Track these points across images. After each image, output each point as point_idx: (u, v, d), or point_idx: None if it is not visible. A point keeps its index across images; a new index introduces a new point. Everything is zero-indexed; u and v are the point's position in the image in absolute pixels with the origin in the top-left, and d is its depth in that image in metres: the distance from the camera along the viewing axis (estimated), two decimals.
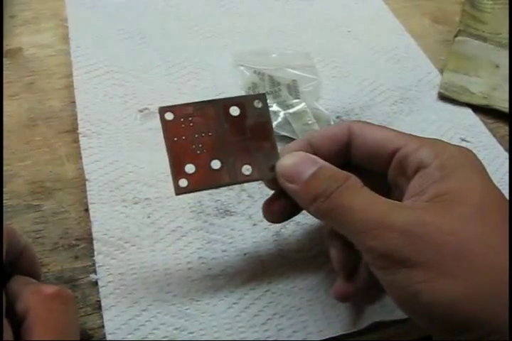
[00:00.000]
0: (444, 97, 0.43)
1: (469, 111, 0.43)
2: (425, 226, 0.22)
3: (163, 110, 0.25)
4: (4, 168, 0.34)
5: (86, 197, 0.33)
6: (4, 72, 0.40)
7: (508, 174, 0.38)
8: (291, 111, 0.39)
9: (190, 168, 0.25)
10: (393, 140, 0.26)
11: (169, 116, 0.25)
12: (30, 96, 0.39)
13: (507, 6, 0.51)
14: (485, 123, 0.42)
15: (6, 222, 0.31)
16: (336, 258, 0.28)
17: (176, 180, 0.25)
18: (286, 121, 0.38)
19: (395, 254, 0.22)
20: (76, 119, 0.37)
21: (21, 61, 0.42)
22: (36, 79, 0.40)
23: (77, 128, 0.37)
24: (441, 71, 0.45)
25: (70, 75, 0.40)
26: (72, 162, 0.35)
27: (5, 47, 0.42)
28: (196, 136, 0.26)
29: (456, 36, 0.48)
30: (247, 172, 0.26)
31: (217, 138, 0.26)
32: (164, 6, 0.48)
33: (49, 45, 0.43)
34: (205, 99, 0.40)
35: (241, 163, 0.26)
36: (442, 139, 0.26)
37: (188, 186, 0.25)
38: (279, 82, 0.41)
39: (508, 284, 0.21)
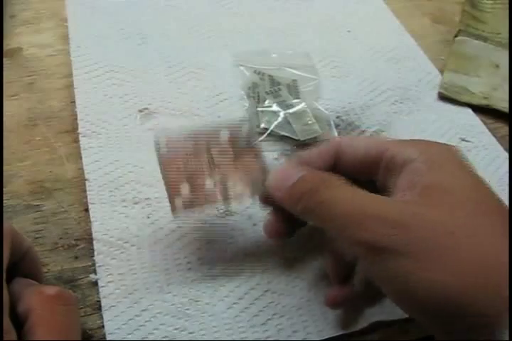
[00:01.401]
0: (444, 97, 0.43)
1: (469, 111, 0.43)
2: (413, 217, 0.22)
3: (157, 137, 0.28)
4: (4, 168, 0.34)
5: (86, 197, 0.33)
6: (4, 72, 0.40)
7: (508, 174, 0.38)
8: (291, 111, 0.39)
9: (185, 189, 0.27)
10: (379, 145, 0.27)
11: (163, 142, 0.28)
12: (30, 96, 0.39)
13: (507, 6, 0.51)
14: (485, 123, 0.42)
15: (7, 222, 0.31)
16: (330, 268, 0.29)
17: (172, 201, 0.27)
18: (286, 121, 0.38)
19: (384, 245, 0.22)
20: (76, 119, 0.37)
21: (21, 61, 0.42)
22: (36, 79, 0.40)
23: (77, 128, 0.37)
24: (442, 71, 0.45)
25: (70, 75, 0.40)
26: (72, 162, 0.35)
27: (5, 47, 0.42)
28: (189, 159, 0.28)
29: (456, 36, 0.48)
30: (239, 191, 0.28)
31: (209, 161, 0.28)
32: (164, 6, 0.48)
33: (49, 44, 0.43)
34: (205, 99, 0.41)
35: (233, 182, 0.28)
36: (442, 139, 0.27)
37: (184, 206, 0.27)
38: (279, 82, 0.41)
39: (497, 274, 0.21)
